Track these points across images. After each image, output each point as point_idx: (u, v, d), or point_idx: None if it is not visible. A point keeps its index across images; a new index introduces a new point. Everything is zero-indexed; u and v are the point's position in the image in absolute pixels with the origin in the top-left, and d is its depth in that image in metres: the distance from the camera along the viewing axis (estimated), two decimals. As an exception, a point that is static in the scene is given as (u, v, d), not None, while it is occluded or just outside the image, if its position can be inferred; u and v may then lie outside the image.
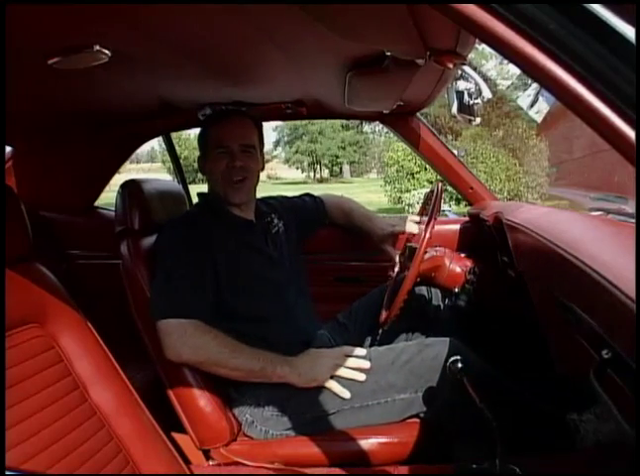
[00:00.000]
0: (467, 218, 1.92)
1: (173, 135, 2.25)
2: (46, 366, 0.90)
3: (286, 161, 29.14)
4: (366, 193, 14.26)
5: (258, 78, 1.34)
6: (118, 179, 1.74)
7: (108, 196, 1.93)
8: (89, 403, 0.93)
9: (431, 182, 8.86)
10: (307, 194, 1.80)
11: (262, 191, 1.58)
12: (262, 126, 1.51)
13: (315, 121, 20.30)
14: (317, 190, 1.88)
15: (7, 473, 0.69)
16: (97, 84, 1.19)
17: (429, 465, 1.17)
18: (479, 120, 1.20)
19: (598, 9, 0.42)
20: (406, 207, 9.72)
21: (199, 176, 1.54)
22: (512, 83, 12.73)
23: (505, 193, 8.50)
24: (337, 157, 26.69)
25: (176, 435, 1.24)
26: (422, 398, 1.22)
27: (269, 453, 1.24)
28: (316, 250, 1.84)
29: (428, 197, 1.52)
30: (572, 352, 0.91)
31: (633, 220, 1.11)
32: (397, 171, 10.24)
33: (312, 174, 28.36)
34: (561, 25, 0.42)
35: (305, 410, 1.26)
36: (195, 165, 1.51)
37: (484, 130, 10.19)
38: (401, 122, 1.87)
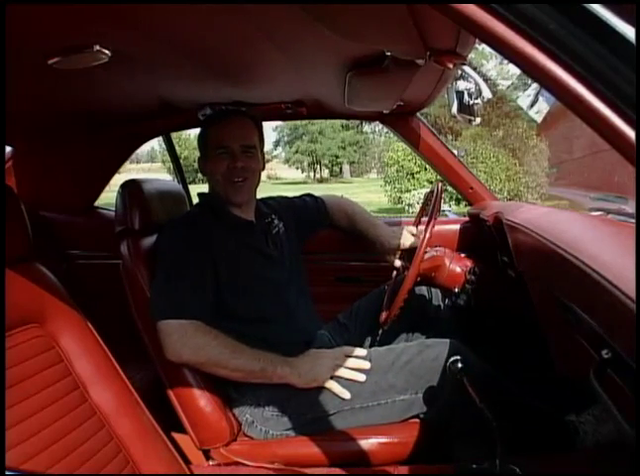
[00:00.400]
0: (467, 218, 1.92)
1: (173, 135, 2.24)
2: (46, 366, 0.90)
3: (286, 161, 29.16)
4: (366, 193, 14.27)
5: (258, 78, 1.34)
6: (118, 179, 1.74)
7: (108, 196, 1.93)
8: (89, 403, 0.93)
9: (431, 182, 8.87)
10: (308, 195, 1.79)
11: (262, 191, 1.58)
12: (262, 126, 1.51)
13: (315, 121, 20.32)
14: (317, 190, 1.88)
15: (7, 473, 0.69)
16: (97, 84, 1.19)
17: (429, 465, 1.17)
18: (479, 120, 1.20)
19: (598, 9, 0.42)
20: (406, 207, 9.73)
21: (199, 176, 1.54)
22: (512, 83, 12.73)
23: (505, 193, 8.51)
24: (337, 157, 26.70)
25: (176, 435, 1.24)
26: (422, 398, 1.22)
27: (269, 453, 1.24)
28: (317, 250, 1.83)
29: (428, 197, 1.52)
30: (572, 352, 0.91)
31: (633, 220, 1.11)
32: (397, 171, 10.25)
33: (312, 174, 28.36)
34: (561, 25, 0.42)
35: (305, 410, 1.26)
36: (195, 165, 1.51)
37: (484, 130, 10.20)
38: (401, 122, 1.87)
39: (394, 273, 1.62)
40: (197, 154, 1.52)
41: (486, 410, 0.97)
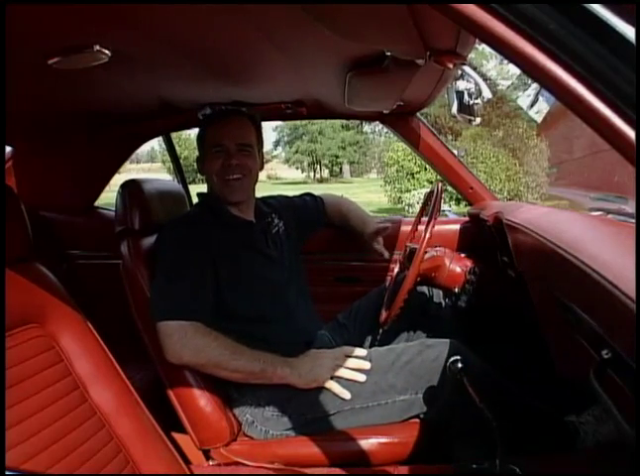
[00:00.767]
0: (467, 218, 1.92)
1: (173, 135, 2.25)
2: (46, 366, 0.90)
3: (286, 161, 29.14)
4: (366, 193, 14.27)
5: (257, 78, 1.34)
6: (118, 179, 1.74)
7: (108, 196, 1.93)
8: (89, 403, 0.93)
9: (431, 182, 8.87)
10: (308, 194, 1.79)
11: (261, 191, 1.58)
12: (260, 126, 1.50)
13: (315, 121, 20.31)
14: (317, 190, 1.88)
15: (7, 473, 0.69)
16: (97, 84, 1.19)
17: (429, 465, 1.17)
18: (479, 120, 1.20)
19: (598, 9, 0.42)
20: (406, 207, 9.73)
21: (199, 176, 1.53)
22: (512, 83, 12.72)
23: (505, 193, 8.51)
24: (337, 157, 26.68)
25: (176, 435, 1.24)
26: (422, 398, 1.22)
27: (270, 453, 1.24)
28: (316, 250, 1.84)
29: (428, 198, 1.52)
30: (572, 352, 0.91)
31: (633, 220, 1.11)
32: (397, 171, 10.25)
33: (312, 174, 28.35)
34: (561, 25, 0.42)
35: (305, 410, 1.26)
36: (195, 165, 1.51)
37: (484, 130, 10.21)
38: (401, 122, 1.87)
39: (395, 272, 1.62)
40: (197, 154, 1.52)
41: (486, 410, 0.97)
